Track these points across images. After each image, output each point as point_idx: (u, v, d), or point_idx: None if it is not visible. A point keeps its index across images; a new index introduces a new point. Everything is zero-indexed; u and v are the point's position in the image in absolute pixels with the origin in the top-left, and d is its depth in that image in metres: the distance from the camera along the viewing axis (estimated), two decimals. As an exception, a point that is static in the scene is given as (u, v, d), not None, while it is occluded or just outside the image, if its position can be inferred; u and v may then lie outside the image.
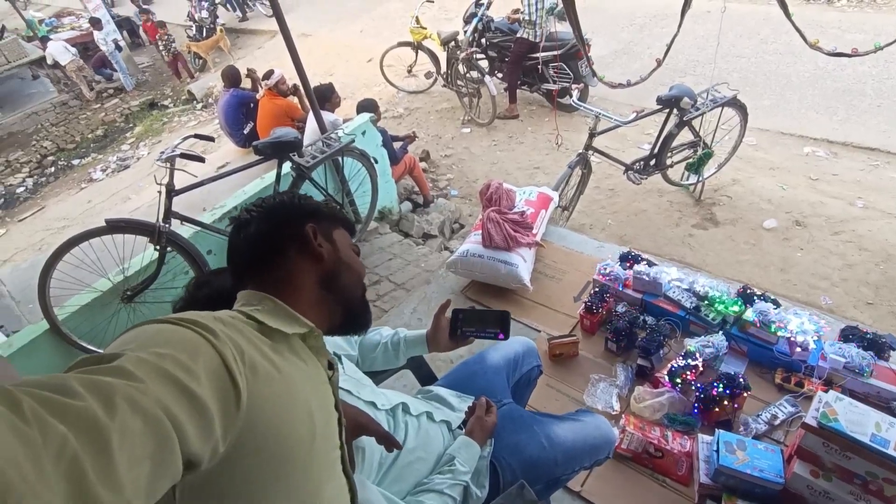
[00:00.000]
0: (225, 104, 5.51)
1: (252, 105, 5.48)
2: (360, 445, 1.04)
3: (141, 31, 10.94)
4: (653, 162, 3.72)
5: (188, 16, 9.87)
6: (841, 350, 1.86)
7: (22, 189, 7.24)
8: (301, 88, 4.02)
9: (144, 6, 10.39)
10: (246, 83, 5.84)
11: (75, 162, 7.75)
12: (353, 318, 0.89)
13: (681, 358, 1.97)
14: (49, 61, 9.40)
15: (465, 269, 2.55)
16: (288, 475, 0.64)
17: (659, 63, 2.76)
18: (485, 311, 1.35)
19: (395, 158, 4.16)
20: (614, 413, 1.95)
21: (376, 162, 3.43)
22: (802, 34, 2.30)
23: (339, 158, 3.24)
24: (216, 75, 7.99)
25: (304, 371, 0.71)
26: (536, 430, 1.35)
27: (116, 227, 2.47)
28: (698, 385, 1.87)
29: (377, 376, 1.45)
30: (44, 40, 10.09)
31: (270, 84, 5.05)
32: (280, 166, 2.93)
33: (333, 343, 1.33)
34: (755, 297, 2.10)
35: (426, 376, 1.63)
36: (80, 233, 2.47)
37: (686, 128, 3.54)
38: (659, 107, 3.44)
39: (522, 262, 2.46)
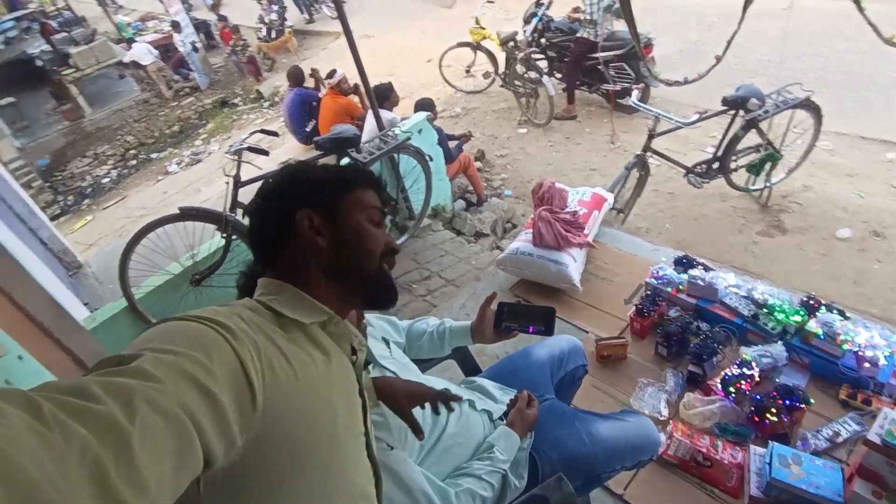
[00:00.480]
0: (289, 102, 5.75)
1: (314, 103, 5.69)
2: (401, 424, 1.08)
3: (217, 36, 11.57)
4: (716, 165, 3.58)
5: (259, 18, 10.34)
6: (916, 368, 1.74)
7: (107, 180, 7.84)
8: (361, 87, 4.16)
9: (221, 14, 10.96)
10: (310, 83, 6.07)
11: (154, 156, 8.31)
12: (371, 297, 0.84)
13: (735, 367, 1.90)
14: (126, 59, 10.10)
15: (515, 267, 2.56)
16: (309, 467, 0.65)
17: (718, 59, 2.66)
18: (530, 307, 1.36)
19: (450, 157, 4.22)
20: (662, 418, 1.90)
21: (431, 160, 3.49)
22: (877, 29, 2.17)
23: (395, 155, 3.32)
24: (283, 75, 8.34)
25: (323, 362, 0.71)
26: (578, 426, 1.35)
27: (188, 214, 2.65)
28: (753, 395, 1.80)
29: (423, 364, 1.49)
30: (129, 42, 10.86)
31: (333, 83, 5.23)
32: (338, 162, 3.03)
33: (381, 328, 1.38)
34: (820, 307, 2.00)
35: (470, 368, 1.66)
36: (157, 219, 2.66)
37: (753, 130, 3.39)
38: (724, 108, 3.31)
39: (573, 262, 2.44)
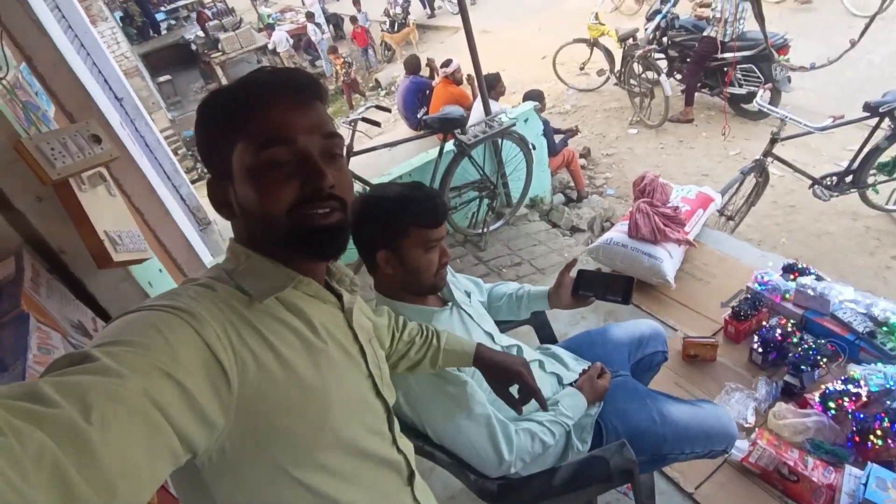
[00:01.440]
0: (404, 89, 6.02)
1: (427, 92, 5.91)
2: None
3: (346, 31, 12.35)
4: (849, 178, 3.25)
5: (384, 11, 10.90)
6: None
7: (237, 152, 8.75)
8: (474, 79, 4.29)
9: (354, 14, 11.30)
10: (425, 72, 6.32)
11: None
12: (294, 245, 0.67)
13: (840, 383, 1.75)
14: (271, 47, 11.11)
15: (607, 257, 2.52)
16: (300, 430, 0.64)
17: (853, 44, 2.42)
18: (609, 275, 1.36)
19: (553, 150, 4.21)
20: (747, 426, 1.80)
21: (534, 148, 3.51)
22: None
23: (499, 141, 3.38)
24: (401, 65, 8.74)
25: (303, 324, 0.68)
26: (649, 404, 1.34)
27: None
28: (857, 415, 1.65)
29: (500, 326, 1.55)
30: (270, 28, 11.94)
31: (448, 72, 5.40)
32: (444, 141, 3.16)
33: (465, 284, 1.45)
34: (954, 333, 1.78)
35: (547, 337, 1.68)
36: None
37: (899, 142, 3.03)
38: (865, 115, 2.99)
39: (668, 258, 2.35)
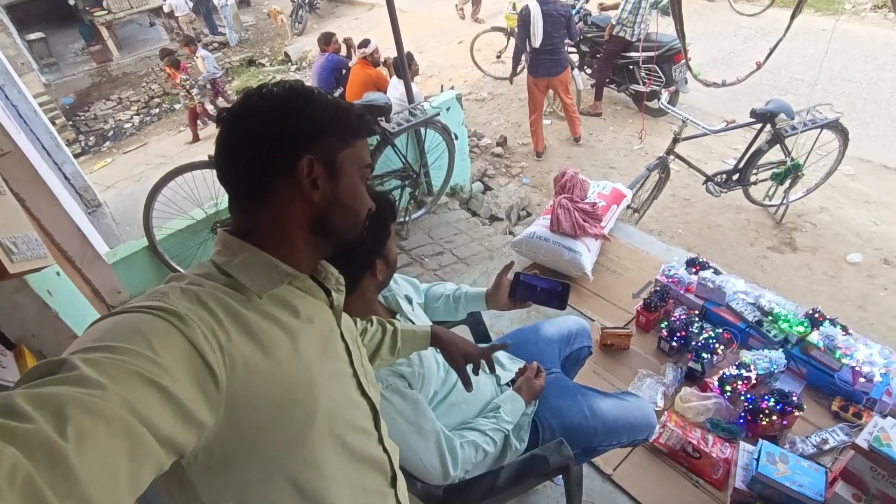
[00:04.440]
0: (319, 67, 5.75)
1: (344, 71, 5.70)
2: (422, 372, 1.15)
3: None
4: (736, 176, 3.61)
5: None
6: (909, 388, 1.79)
7: (129, 125, 7.91)
8: (390, 62, 4.21)
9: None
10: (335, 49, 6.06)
11: (177, 106, 8.33)
12: (343, 250, 0.76)
13: (734, 367, 1.96)
14: (167, 9, 10.12)
15: (529, 250, 2.61)
16: (289, 424, 0.64)
17: (759, 66, 2.67)
18: (546, 280, 1.39)
19: (573, 35, 4.41)
20: (657, 409, 1.97)
21: (456, 138, 3.52)
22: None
23: (422, 130, 3.36)
24: (314, 39, 8.35)
25: (292, 320, 0.68)
26: (580, 400, 1.42)
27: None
28: (748, 396, 1.86)
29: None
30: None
31: (366, 53, 5.23)
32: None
33: (404, 287, 1.44)
34: (824, 321, 2.04)
35: (482, 335, 1.72)
36: (186, 164, 2.72)
37: (778, 146, 3.40)
38: (752, 120, 3.33)
39: (587, 252, 2.49)
